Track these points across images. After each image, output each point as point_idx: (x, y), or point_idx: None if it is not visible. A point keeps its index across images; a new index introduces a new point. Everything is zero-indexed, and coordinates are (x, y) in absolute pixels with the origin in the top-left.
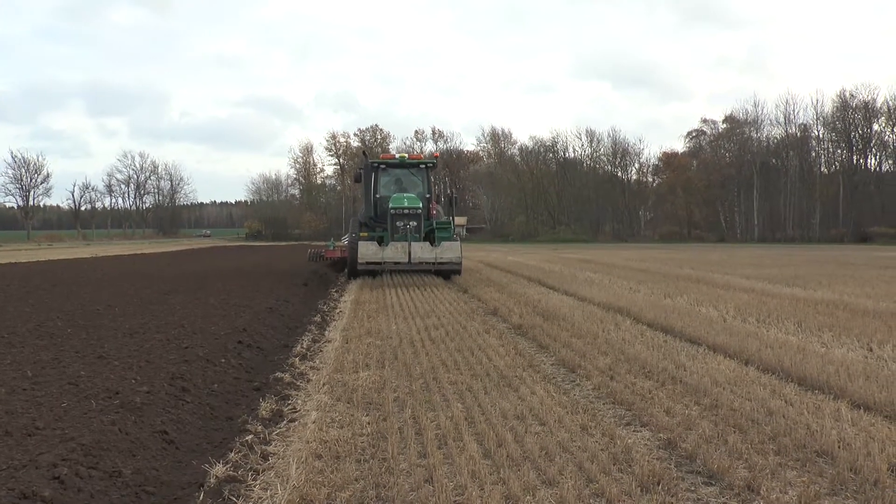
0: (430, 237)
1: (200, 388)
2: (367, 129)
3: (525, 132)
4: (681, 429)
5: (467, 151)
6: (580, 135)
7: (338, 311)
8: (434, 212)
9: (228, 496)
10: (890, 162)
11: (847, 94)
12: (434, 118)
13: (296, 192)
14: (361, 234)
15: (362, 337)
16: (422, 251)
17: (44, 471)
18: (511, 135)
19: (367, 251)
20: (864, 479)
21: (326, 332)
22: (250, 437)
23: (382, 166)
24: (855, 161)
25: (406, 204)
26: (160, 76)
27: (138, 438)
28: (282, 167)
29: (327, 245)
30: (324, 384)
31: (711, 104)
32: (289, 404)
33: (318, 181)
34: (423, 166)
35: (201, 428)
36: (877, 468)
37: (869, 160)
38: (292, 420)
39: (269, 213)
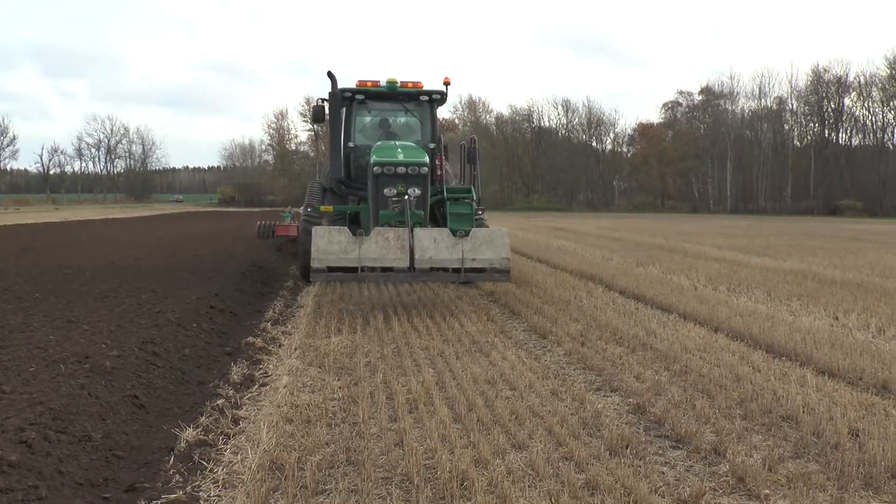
0: (437, 216)
1: (172, 352)
2: None
3: (503, 101)
4: (650, 394)
5: (443, 119)
6: (556, 104)
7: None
8: (440, 173)
9: (199, 460)
10: (859, 136)
11: (821, 69)
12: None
13: (269, 158)
14: (323, 207)
15: (335, 302)
16: (436, 246)
17: (11, 435)
18: (488, 104)
19: (330, 245)
20: (826, 442)
21: (299, 298)
22: (221, 401)
23: (360, 98)
24: (826, 135)
25: (401, 158)
26: (117, 38)
27: (108, 403)
28: (254, 133)
29: (282, 216)
30: (295, 349)
31: (686, 76)
32: (260, 369)
33: (293, 147)
34: (427, 99)
35: (172, 392)
36: (838, 431)
37: (840, 135)
38: (263, 384)
39: (243, 179)
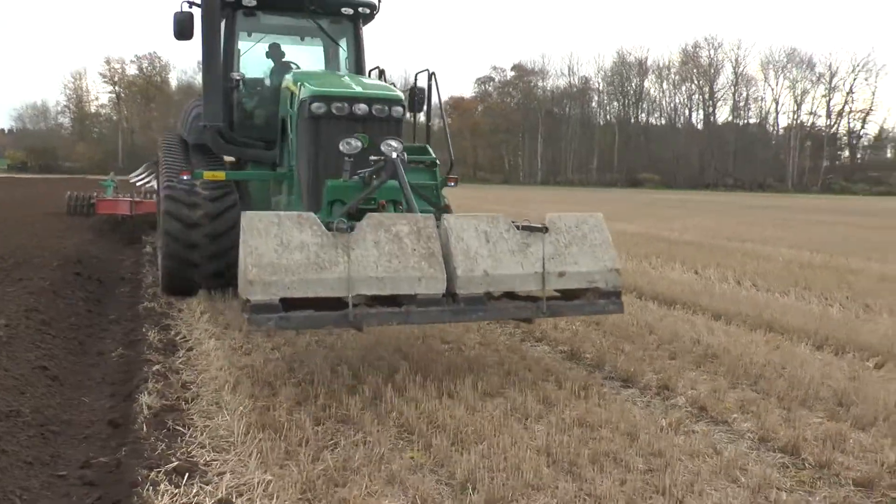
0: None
1: (59, 321)
2: (144, 55)
3: None
4: (576, 341)
5: None
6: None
7: None
8: None
9: (174, 426)
10: (657, 115)
11: (624, 51)
12: None
13: (66, 121)
14: (208, 174)
15: None
16: (491, 250)
17: None
18: None
19: (285, 252)
20: (752, 374)
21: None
22: (157, 366)
23: (249, 3)
24: (628, 113)
25: (358, 90)
26: None
27: (21, 375)
28: (49, 94)
29: (102, 186)
30: (202, 313)
31: (500, 55)
32: (170, 334)
33: (93, 110)
34: (349, 13)
35: (76, 363)
36: (756, 364)
37: (640, 113)
38: (190, 349)
39: (36, 143)
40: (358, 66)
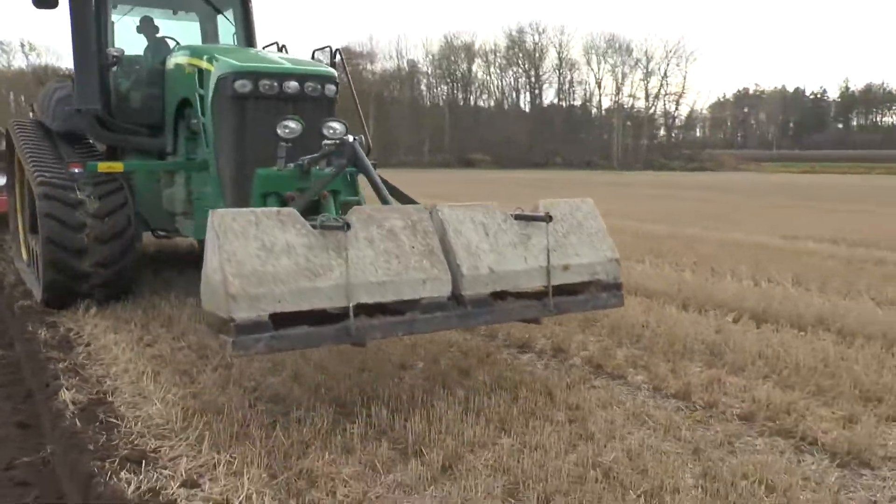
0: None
1: None
2: None
3: None
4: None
5: (66, 70)
6: None
7: None
8: None
9: (106, 419)
10: (485, 98)
11: (451, 36)
12: None
13: None
14: (104, 165)
15: None
16: (493, 244)
17: None
18: None
19: (270, 259)
20: (632, 334)
21: None
22: (62, 364)
23: None
24: (457, 96)
25: (287, 66)
26: None
27: None
28: None
29: None
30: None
31: (327, 38)
32: (60, 331)
33: None
34: None
35: None
36: (634, 324)
37: (470, 96)
38: (88, 344)
39: None
40: (249, 42)
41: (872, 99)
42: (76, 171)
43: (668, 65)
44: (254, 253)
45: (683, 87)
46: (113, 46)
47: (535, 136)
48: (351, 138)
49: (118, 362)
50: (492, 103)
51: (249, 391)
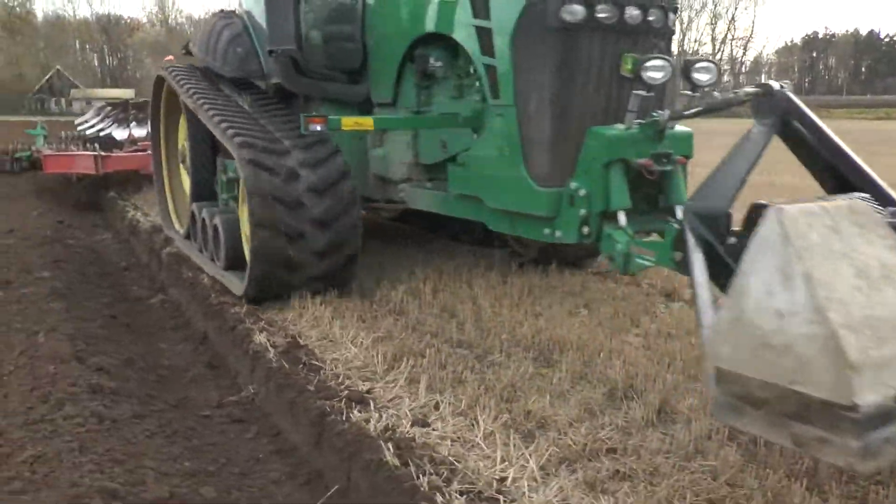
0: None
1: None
2: None
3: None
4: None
5: (128, 18)
6: None
7: None
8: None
9: (308, 361)
10: None
11: None
12: None
13: None
14: (347, 122)
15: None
16: None
17: None
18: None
19: (871, 297)
20: None
21: None
22: (238, 308)
23: None
24: None
25: None
26: None
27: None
28: None
29: (33, 135)
30: None
31: None
32: None
33: None
34: None
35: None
36: None
37: None
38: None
39: None
40: None
41: None
42: (317, 127)
43: (735, 8)
44: (850, 283)
45: (752, 31)
46: None
47: None
48: (776, 85)
49: (292, 306)
50: None
51: (433, 336)
